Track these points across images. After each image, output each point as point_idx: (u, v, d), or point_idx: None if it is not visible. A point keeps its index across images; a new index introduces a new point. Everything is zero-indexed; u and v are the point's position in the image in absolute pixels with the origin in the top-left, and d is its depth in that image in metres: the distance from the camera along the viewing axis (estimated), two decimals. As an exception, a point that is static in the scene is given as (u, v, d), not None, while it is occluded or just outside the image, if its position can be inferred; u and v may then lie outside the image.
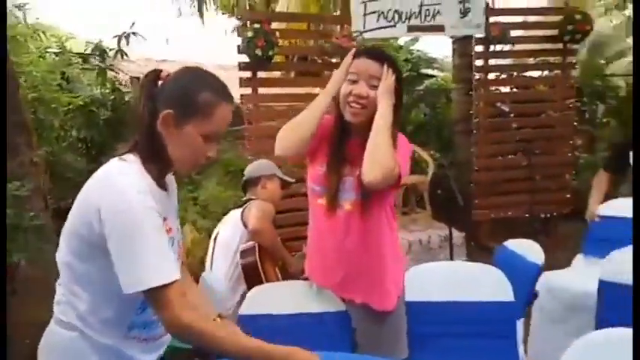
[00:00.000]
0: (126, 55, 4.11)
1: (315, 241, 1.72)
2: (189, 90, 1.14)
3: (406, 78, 6.75)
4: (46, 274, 3.00)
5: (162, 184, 1.22)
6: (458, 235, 4.07)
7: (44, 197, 3.18)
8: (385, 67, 1.49)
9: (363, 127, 1.53)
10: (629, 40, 7.11)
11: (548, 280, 2.48)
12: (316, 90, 4.45)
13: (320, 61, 4.32)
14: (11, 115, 3.00)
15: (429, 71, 7.66)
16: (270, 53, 3.73)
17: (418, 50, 7.59)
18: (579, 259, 2.90)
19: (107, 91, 3.98)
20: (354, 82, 1.50)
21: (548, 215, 4.62)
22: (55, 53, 4.89)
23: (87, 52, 4.15)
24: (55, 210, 3.54)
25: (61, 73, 4.50)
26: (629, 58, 6.73)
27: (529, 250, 2.27)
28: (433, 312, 1.91)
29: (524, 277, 2.14)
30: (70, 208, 3.91)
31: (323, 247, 1.67)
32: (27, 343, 2.76)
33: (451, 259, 3.46)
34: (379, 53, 1.57)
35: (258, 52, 3.65)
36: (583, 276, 2.42)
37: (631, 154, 2.81)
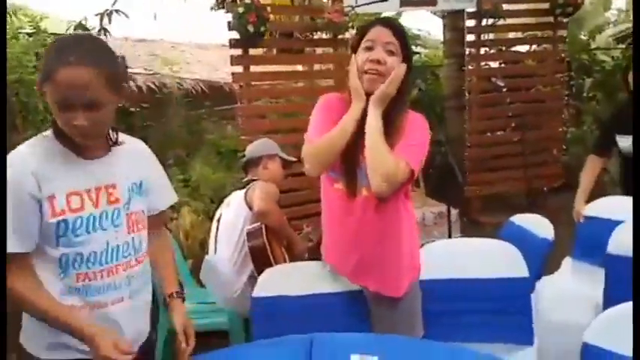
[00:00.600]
0: (109, 33, 3.93)
1: (330, 227, 1.68)
2: (44, 57, 1.15)
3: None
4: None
5: (83, 153, 1.22)
6: (452, 212, 4.09)
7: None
8: (396, 66, 1.44)
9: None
10: (607, 14, 7.19)
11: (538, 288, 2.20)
12: (303, 67, 4.38)
13: (308, 36, 4.24)
14: (-6, 97, 2.86)
15: (413, 48, 7.63)
16: (262, 29, 3.62)
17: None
18: (568, 263, 2.64)
19: (91, 71, 3.80)
20: (370, 48, 1.46)
21: (544, 189, 4.67)
22: (28, 34, 4.67)
23: (69, 31, 3.94)
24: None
25: (35, 54, 4.30)
26: (609, 31, 6.81)
27: (538, 225, 2.27)
28: (447, 290, 1.90)
29: (533, 253, 2.14)
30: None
31: (338, 233, 1.64)
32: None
33: (449, 236, 3.47)
34: (392, 22, 1.55)
35: (250, 28, 3.53)
36: (572, 286, 2.33)
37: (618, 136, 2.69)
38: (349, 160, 1.50)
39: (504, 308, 1.90)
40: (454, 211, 4.18)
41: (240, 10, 3.50)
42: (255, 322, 1.80)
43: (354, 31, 6.94)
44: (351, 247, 1.60)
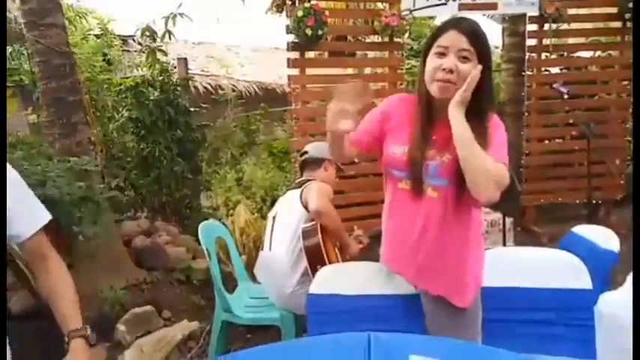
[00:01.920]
0: (173, 36, 4.11)
1: (393, 227, 1.64)
2: None
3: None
4: (103, 248, 3.09)
5: None
6: (506, 220, 3.98)
7: (101, 174, 3.23)
8: (473, 71, 1.36)
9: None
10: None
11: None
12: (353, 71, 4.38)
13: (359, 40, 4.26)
14: (69, 95, 3.06)
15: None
16: (320, 33, 3.67)
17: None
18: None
19: (156, 72, 4.00)
20: (443, 54, 1.40)
21: (600, 202, 4.47)
22: (96, 36, 4.94)
23: (137, 33, 4.16)
24: (109, 188, 3.61)
25: (102, 55, 4.55)
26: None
27: (602, 236, 2.18)
28: (506, 298, 1.86)
29: (597, 265, 2.05)
30: (121, 185, 3.97)
31: (402, 234, 1.60)
32: (87, 315, 2.85)
33: (504, 244, 3.39)
34: (469, 28, 1.41)
35: (308, 31, 3.59)
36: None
37: None
38: (415, 158, 1.48)
39: (566, 320, 1.84)
40: (508, 220, 4.08)
41: (300, 13, 3.57)
42: (311, 318, 1.82)
43: (407, 35, 7.00)
44: (415, 249, 1.56)
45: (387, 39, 4.05)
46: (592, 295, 1.88)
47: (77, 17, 5.76)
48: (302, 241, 2.28)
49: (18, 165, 2.15)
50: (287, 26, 3.70)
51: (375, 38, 4.30)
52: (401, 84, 4.29)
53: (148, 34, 3.95)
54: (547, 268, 1.91)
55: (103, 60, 4.60)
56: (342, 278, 1.86)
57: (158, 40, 4.04)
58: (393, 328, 1.79)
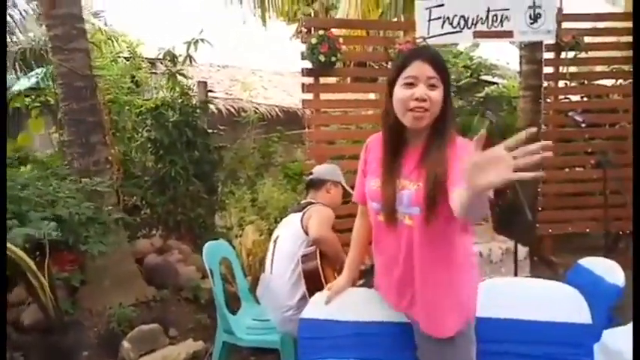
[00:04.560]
0: (194, 60, 4.27)
1: (378, 257, 1.66)
2: None
3: (465, 84, 6.60)
4: (115, 266, 3.18)
5: None
6: (521, 249, 3.90)
7: (117, 193, 3.34)
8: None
9: (419, 134, 1.46)
10: None
11: (604, 339, 2.03)
12: (375, 96, 4.44)
13: (382, 66, 4.31)
14: (89, 116, 3.20)
15: (490, 78, 7.46)
16: (333, 59, 3.74)
17: (479, 57, 7.42)
18: None
19: (176, 94, 4.15)
20: (412, 84, 1.41)
21: (620, 233, 4.34)
22: (126, 58, 5.15)
23: (158, 57, 4.34)
24: (125, 206, 3.72)
25: (131, 77, 4.74)
26: None
27: (607, 269, 2.13)
28: (503, 330, 1.83)
29: (601, 299, 2.00)
30: (138, 205, 4.07)
31: (385, 263, 1.62)
32: (95, 331, 2.93)
33: (515, 274, 3.32)
34: (433, 57, 1.43)
35: (322, 57, 3.67)
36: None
37: None
38: (386, 190, 1.49)
39: (563, 355, 1.79)
40: (523, 249, 4.00)
41: (314, 40, 3.66)
42: (301, 342, 1.83)
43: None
44: (397, 278, 1.56)
45: (401, 65, 4.09)
46: (592, 330, 1.83)
47: (108, 40, 6.04)
48: (301, 265, 2.30)
49: (32, 184, 2.26)
50: (302, 53, 3.79)
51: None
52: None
53: (168, 58, 4.11)
54: (546, 300, 1.88)
55: (132, 82, 4.78)
56: (336, 303, 1.86)
57: (179, 64, 4.19)
58: (385, 357, 1.79)
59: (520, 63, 5.04)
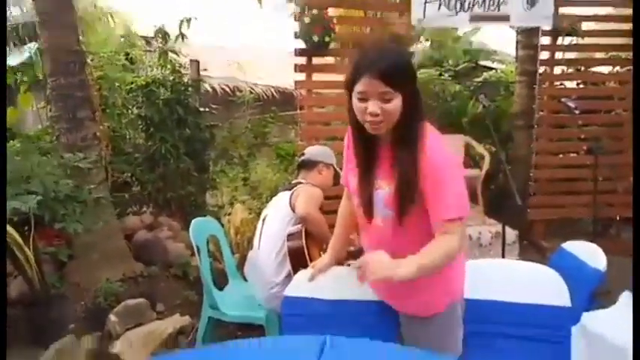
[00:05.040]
0: (186, 38, 4.22)
1: (363, 244, 1.68)
2: None
3: (464, 69, 6.55)
4: (103, 242, 3.18)
5: None
6: (510, 233, 3.93)
7: (105, 169, 3.33)
8: None
9: (386, 134, 1.41)
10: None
11: (584, 322, 2.09)
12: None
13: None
14: (77, 91, 3.16)
15: (489, 63, 7.40)
16: (327, 39, 3.70)
17: (478, 41, 7.36)
18: (626, 297, 2.30)
19: (167, 72, 4.11)
20: (364, 99, 1.35)
21: (612, 218, 4.36)
22: (120, 35, 5.09)
23: (150, 34, 4.29)
24: (114, 182, 3.71)
25: (125, 54, 4.69)
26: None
27: (590, 254, 2.14)
28: (482, 311, 1.84)
29: (582, 283, 2.02)
30: (128, 182, 4.07)
31: (366, 249, 1.64)
32: (81, 304, 2.95)
33: (503, 257, 3.34)
34: (382, 72, 1.32)
35: (315, 38, 3.63)
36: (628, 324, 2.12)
37: None
38: (365, 182, 1.48)
39: (542, 337, 1.80)
40: (513, 233, 4.02)
41: (307, 20, 3.61)
42: (285, 320, 1.84)
43: (426, 43, 6.96)
44: None
45: (396, 47, 4.05)
46: (571, 312, 1.85)
47: (102, 17, 5.96)
48: (287, 243, 2.31)
49: (10, 159, 2.23)
50: (295, 32, 3.74)
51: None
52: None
53: (160, 35, 4.06)
54: (526, 282, 1.88)
55: (126, 59, 4.73)
56: (320, 282, 1.86)
57: (171, 41, 4.14)
58: (368, 335, 1.80)
59: (517, 48, 5.00)
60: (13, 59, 4.67)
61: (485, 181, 4.48)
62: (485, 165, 4.39)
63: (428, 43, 7.10)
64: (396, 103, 1.35)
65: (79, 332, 2.70)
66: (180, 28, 4.20)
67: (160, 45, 4.19)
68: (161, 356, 2.54)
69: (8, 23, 5.32)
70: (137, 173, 3.94)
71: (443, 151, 1.40)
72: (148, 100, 3.96)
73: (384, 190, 1.45)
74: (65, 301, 2.81)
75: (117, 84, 4.00)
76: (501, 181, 4.05)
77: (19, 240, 2.43)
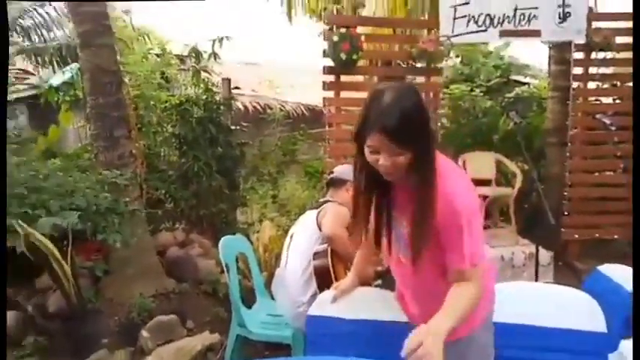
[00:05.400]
0: (219, 57, 4.34)
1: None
2: None
3: (496, 84, 6.47)
4: (137, 257, 3.27)
5: None
6: (545, 254, 3.82)
7: (140, 186, 3.43)
8: None
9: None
10: None
11: (621, 349, 1.91)
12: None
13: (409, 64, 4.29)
14: (114, 110, 3.29)
15: (521, 78, 7.29)
16: (354, 57, 3.74)
17: (510, 56, 7.27)
18: None
19: (200, 91, 4.23)
20: (376, 152, 1.31)
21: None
22: (156, 55, 5.27)
23: (184, 54, 4.43)
24: (148, 199, 3.82)
25: (160, 73, 4.85)
26: None
27: (627, 277, 2.06)
28: (514, 335, 1.80)
29: (619, 308, 1.94)
30: (162, 198, 4.18)
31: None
32: (115, 319, 3.03)
33: (536, 279, 3.25)
34: (393, 131, 1.26)
35: (343, 55, 3.67)
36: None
37: None
38: (382, 222, 1.49)
39: (577, 363, 1.75)
40: (548, 254, 3.91)
41: (335, 38, 3.66)
42: (309, 340, 1.85)
43: (456, 59, 6.92)
44: (403, 295, 1.65)
45: (423, 64, 4.06)
46: (607, 339, 1.78)
47: (139, 37, 6.19)
48: (313, 262, 2.32)
49: (54, 175, 2.34)
50: (323, 50, 3.80)
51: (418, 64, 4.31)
52: (441, 109, 4.28)
53: (193, 55, 4.19)
54: (561, 307, 1.84)
55: (162, 78, 4.89)
56: (344, 302, 1.87)
57: (204, 60, 4.27)
58: (392, 355, 1.79)
59: (549, 63, 4.91)
60: (56, 79, 4.89)
61: (518, 199, 4.39)
62: (518, 183, 4.30)
63: (458, 60, 7.06)
64: (407, 157, 1.31)
65: (112, 347, 2.77)
66: (212, 47, 4.32)
67: (194, 64, 4.31)
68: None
69: (51, 44, 5.58)
70: (171, 190, 4.05)
71: (464, 195, 1.36)
72: (182, 119, 4.08)
73: (401, 230, 1.44)
74: (100, 315, 2.89)
75: (152, 102, 4.13)
76: (534, 200, 3.96)
77: (58, 255, 2.52)
